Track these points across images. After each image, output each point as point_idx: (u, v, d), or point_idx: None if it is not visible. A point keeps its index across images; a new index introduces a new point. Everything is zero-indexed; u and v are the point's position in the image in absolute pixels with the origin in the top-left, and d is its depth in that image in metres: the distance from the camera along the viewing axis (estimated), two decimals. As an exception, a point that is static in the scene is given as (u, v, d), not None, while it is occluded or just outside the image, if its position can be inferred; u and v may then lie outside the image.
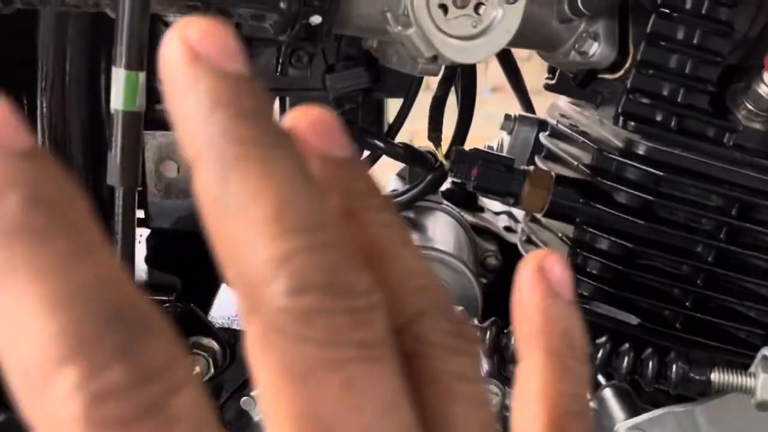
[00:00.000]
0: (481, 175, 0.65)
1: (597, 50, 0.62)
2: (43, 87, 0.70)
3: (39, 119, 0.71)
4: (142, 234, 0.81)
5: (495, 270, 0.78)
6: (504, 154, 0.83)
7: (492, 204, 0.92)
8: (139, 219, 0.82)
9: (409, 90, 0.78)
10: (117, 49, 0.51)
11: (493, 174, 0.65)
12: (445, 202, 0.83)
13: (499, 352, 0.59)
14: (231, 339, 0.69)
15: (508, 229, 0.90)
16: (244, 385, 0.70)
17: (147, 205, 0.79)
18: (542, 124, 0.80)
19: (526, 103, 0.84)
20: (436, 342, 0.19)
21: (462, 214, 0.82)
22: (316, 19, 0.57)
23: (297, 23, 0.57)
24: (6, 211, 0.16)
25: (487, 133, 0.97)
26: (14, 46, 0.69)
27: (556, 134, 0.74)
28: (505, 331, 0.59)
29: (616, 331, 0.64)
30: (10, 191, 0.16)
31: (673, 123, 0.62)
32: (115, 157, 0.53)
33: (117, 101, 0.51)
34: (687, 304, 0.66)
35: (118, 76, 0.51)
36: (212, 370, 0.67)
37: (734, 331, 0.67)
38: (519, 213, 0.94)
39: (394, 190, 0.91)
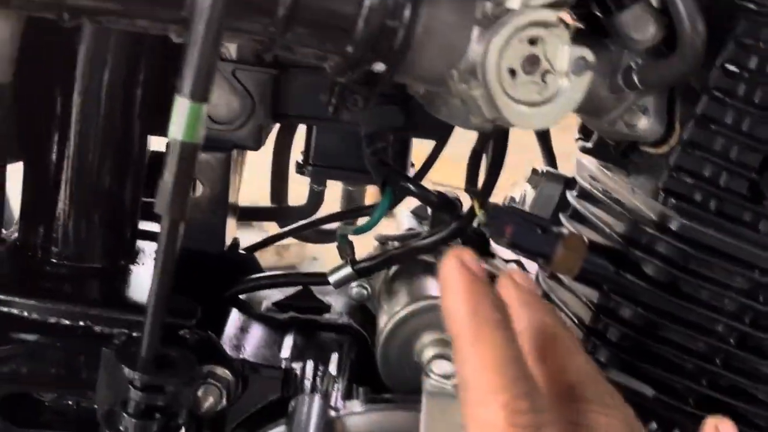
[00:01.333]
0: (516, 234, 0.65)
1: (645, 124, 0.63)
2: (79, 92, 0.68)
3: (72, 124, 0.69)
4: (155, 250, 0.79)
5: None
6: (527, 207, 0.84)
7: (503, 251, 0.92)
8: (149, 232, 0.80)
9: (442, 134, 0.78)
10: (184, 78, 0.50)
11: (529, 234, 0.65)
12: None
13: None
14: (244, 370, 0.68)
15: (518, 279, 0.90)
16: (250, 419, 0.69)
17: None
18: (568, 183, 0.80)
19: (551, 159, 0.85)
20: (596, 409, 0.43)
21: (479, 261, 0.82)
22: (379, 67, 0.56)
23: (359, 68, 0.56)
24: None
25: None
26: (56, 47, 0.67)
27: (585, 196, 0.74)
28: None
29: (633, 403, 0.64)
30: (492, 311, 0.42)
31: (711, 204, 0.63)
32: (165, 186, 0.51)
33: (177, 131, 0.50)
34: (703, 381, 0.67)
35: (182, 105, 0.50)
36: (224, 401, 0.66)
37: (743, 411, 0.68)
38: (528, 263, 0.95)
39: (409, 229, 0.91)
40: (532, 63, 0.54)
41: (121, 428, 0.57)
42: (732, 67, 0.61)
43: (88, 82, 0.68)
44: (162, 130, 0.77)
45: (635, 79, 0.61)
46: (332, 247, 0.88)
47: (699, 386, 0.66)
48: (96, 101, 0.69)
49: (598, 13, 0.63)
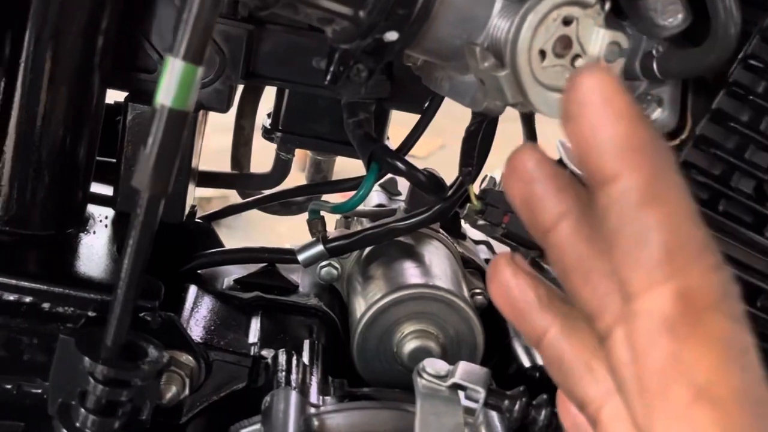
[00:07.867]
0: (513, 223, 0.61)
1: (660, 116, 0.59)
2: (31, 33, 0.60)
3: (22, 68, 0.60)
4: (107, 216, 0.72)
5: (481, 309, 0.74)
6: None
7: (473, 232, 0.89)
8: (104, 196, 0.73)
9: (428, 108, 0.73)
10: (178, 35, 0.43)
11: (527, 224, 0.61)
12: (442, 231, 0.78)
13: (526, 426, 0.55)
14: (209, 357, 0.62)
15: (488, 261, 0.86)
16: (210, 409, 0.63)
17: (118, 185, 0.70)
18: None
19: (533, 140, 0.81)
20: None
21: (455, 244, 0.78)
22: (391, 36, 0.50)
23: (370, 36, 0.50)
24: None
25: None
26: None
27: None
28: (534, 402, 0.55)
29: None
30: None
31: (720, 205, 0.60)
32: (148, 157, 0.45)
33: (166, 96, 0.44)
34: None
35: (174, 67, 0.43)
36: (186, 391, 0.60)
37: None
38: (497, 245, 0.91)
39: (379, 205, 0.85)
40: (564, 45, 0.49)
41: (77, 424, 0.51)
42: (754, 62, 0.58)
43: (43, 24, 0.60)
44: (122, 84, 0.69)
45: (654, 67, 0.57)
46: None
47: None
48: (51, 46, 0.60)
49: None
